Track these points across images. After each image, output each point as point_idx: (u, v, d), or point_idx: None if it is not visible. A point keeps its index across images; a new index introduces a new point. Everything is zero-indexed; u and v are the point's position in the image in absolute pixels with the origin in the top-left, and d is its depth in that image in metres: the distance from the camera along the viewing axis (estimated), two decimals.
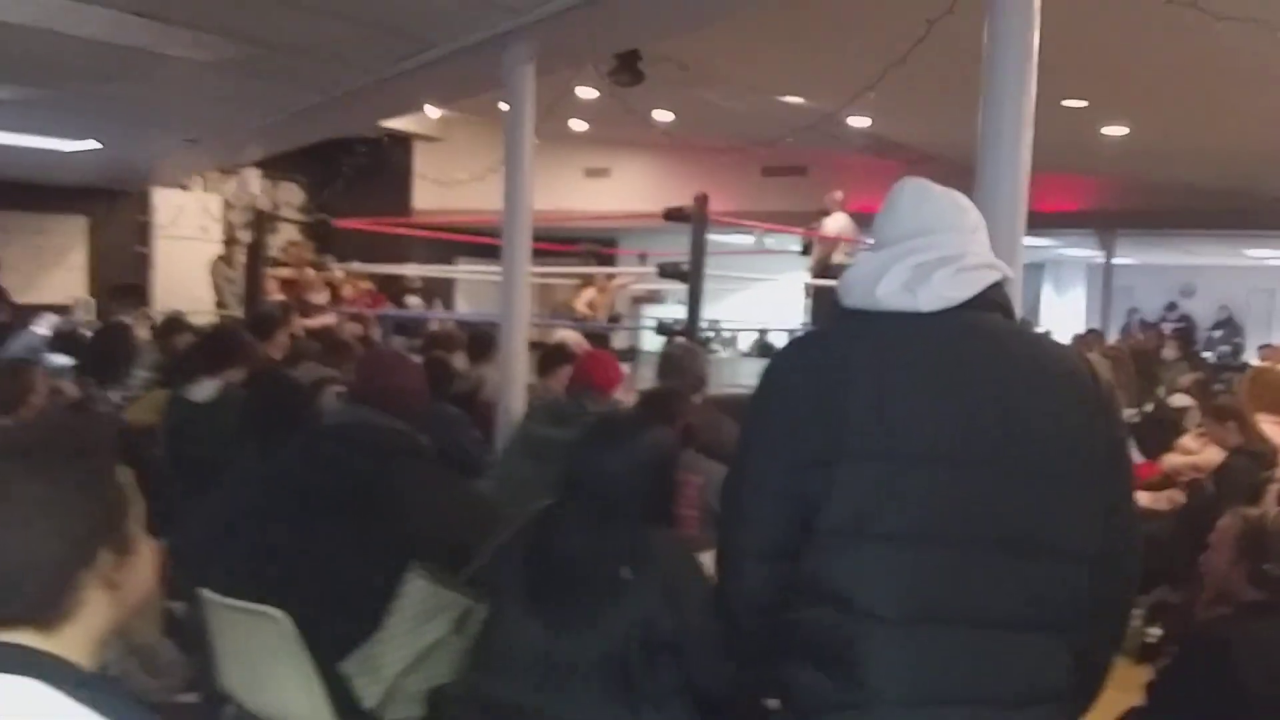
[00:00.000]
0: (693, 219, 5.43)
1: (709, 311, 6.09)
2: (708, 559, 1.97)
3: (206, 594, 2.15)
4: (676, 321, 5.70)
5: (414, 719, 1.95)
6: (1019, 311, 1.83)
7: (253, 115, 6.51)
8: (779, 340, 12.55)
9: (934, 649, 1.29)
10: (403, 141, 11.99)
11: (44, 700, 0.93)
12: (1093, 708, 1.50)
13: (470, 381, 4.75)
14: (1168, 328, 13.75)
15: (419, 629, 1.93)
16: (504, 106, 4.34)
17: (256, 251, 7.72)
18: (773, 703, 1.60)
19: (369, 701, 1.92)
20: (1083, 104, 6.85)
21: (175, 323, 5.67)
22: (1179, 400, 5.72)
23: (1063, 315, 15.89)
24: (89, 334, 6.29)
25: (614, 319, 9.43)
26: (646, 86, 6.97)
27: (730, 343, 13.29)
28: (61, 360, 5.56)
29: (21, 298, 9.10)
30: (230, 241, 10.64)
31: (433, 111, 11.19)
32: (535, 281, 5.26)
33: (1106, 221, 11.80)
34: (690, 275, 5.42)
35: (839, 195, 8.12)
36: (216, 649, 2.22)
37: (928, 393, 1.35)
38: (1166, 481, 4.49)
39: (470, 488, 2.65)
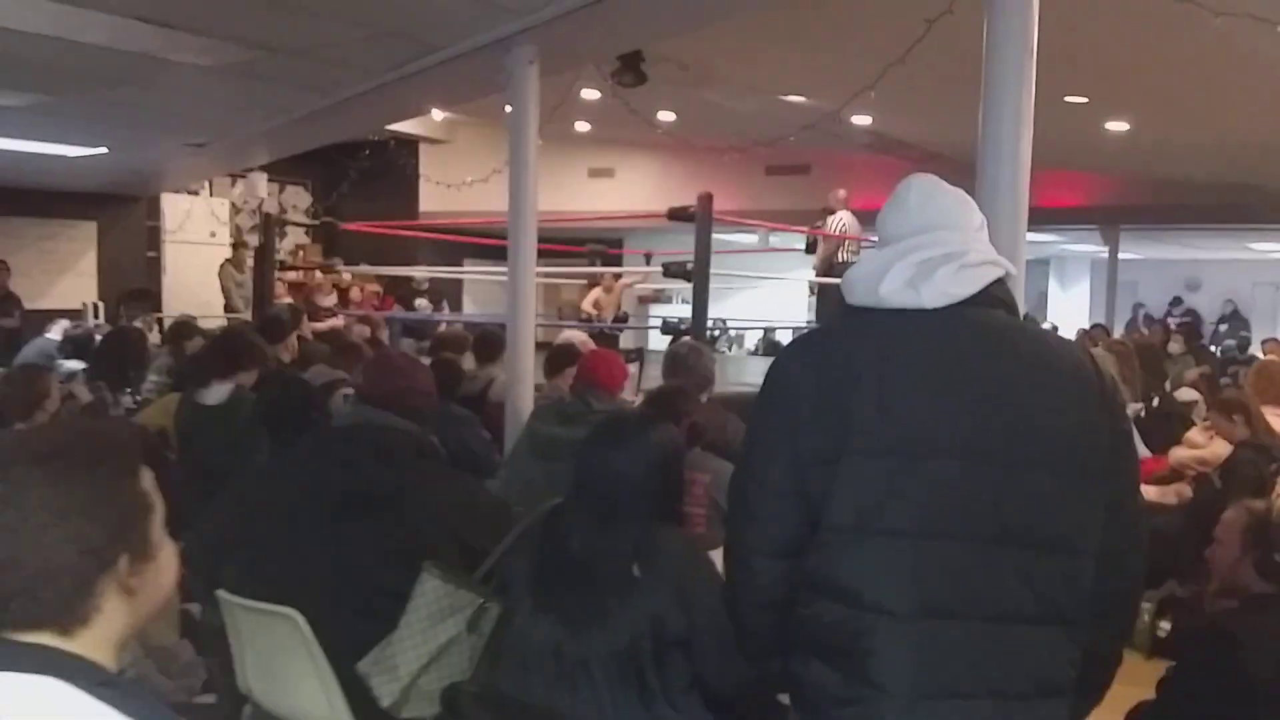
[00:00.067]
0: (697, 218, 5.45)
1: (714, 310, 6.11)
2: (715, 556, 1.99)
3: (223, 595, 2.18)
4: (682, 321, 5.72)
5: (429, 717, 1.97)
6: (1023, 307, 1.85)
7: (258, 119, 6.54)
8: (784, 338, 12.58)
9: (940, 643, 1.31)
10: (408, 144, 12.03)
11: (67, 699, 0.94)
12: (1101, 701, 1.52)
13: (478, 382, 4.77)
14: (1173, 322, 13.72)
15: (433, 628, 1.95)
16: (508, 108, 4.37)
17: (265, 255, 7.76)
18: (782, 698, 1.62)
19: (385, 700, 1.95)
20: (1084, 100, 6.85)
21: (185, 327, 5.71)
22: (1185, 394, 5.71)
23: (1068, 310, 15.87)
24: (100, 339, 6.34)
25: (620, 319, 9.45)
26: (649, 87, 6.99)
27: (736, 341, 13.30)
28: (74, 365, 5.61)
29: (33, 303, 9.16)
30: (238, 245, 10.69)
31: (438, 114, 11.24)
32: (541, 282, 5.29)
33: (1110, 217, 11.79)
34: (695, 274, 5.44)
35: (842, 193, 8.13)
36: (234, 650, 2.24)
37: (931, 389, 1.37)
38: (1174, 476, 4.49)
39: (481, 487, 2.67)
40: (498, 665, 1.89)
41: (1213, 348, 12.71)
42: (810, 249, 8.37)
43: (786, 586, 1.42)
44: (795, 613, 1.41)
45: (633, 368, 5.53)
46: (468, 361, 5.05)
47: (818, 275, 8.17)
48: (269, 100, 5.83)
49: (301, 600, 2.05)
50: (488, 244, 8.76)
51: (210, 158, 8.25)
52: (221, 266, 10.06)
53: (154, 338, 7.41)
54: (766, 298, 12.60)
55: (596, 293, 9.04)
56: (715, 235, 5.57)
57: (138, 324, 8.00)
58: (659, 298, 14.32)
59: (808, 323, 10.18)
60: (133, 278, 10.94)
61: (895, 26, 4.66)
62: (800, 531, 1.39)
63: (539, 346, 4.57)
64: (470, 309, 12.93)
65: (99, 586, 1.00)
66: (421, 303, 10.38)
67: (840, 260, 7.90)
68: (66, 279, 10.75)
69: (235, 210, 12.10)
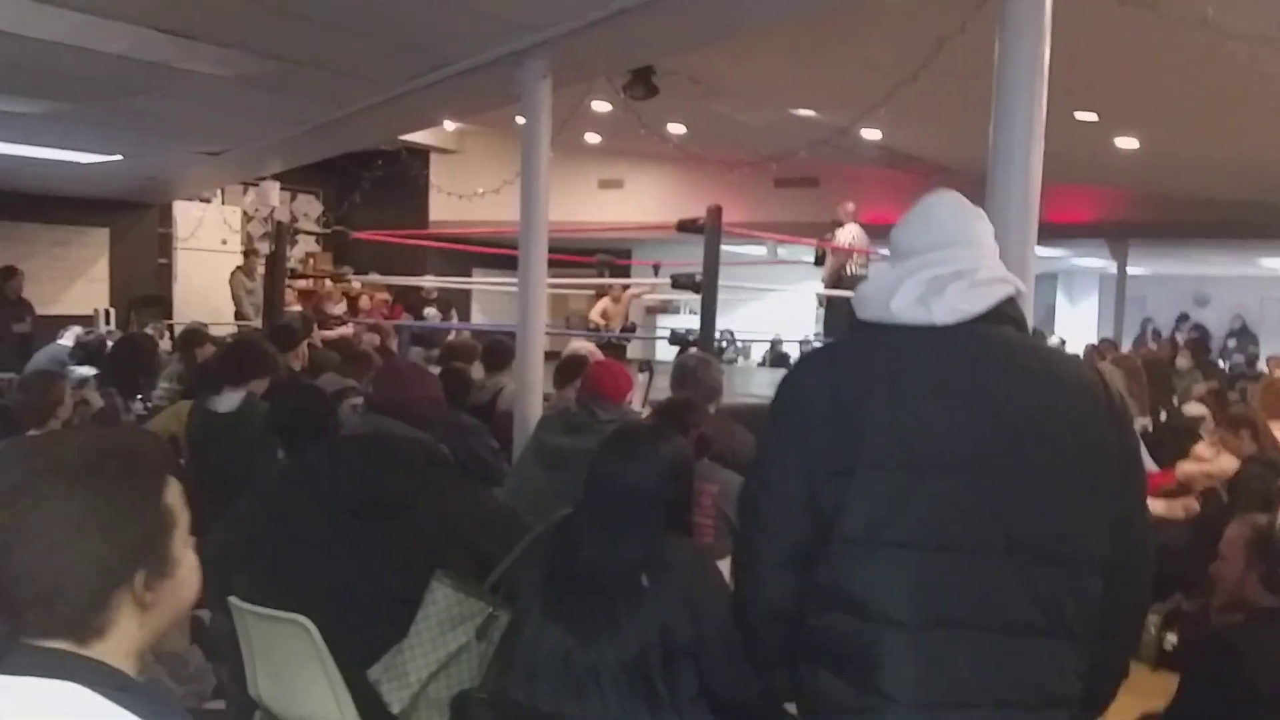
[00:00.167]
0: (706, 231, 5.47)
1: (721, 322, 6.13)
2: (723, 566, 2.01)
3: (235, 602, 2.20)
4: (690, 332, 5.74)
5: None
6: (1031, 322, 1.87)
7: (273, 129, 6.60)
8: (792, 350, 12.60)
9: (948, 654, 1.33)
10: (420, 154, 12.11)
11: (86, 704, 0.94)
12: (1106, 713, 1.53)
13: (487, 392, 4.80)
14: (1181, 338, 13.69)
15: (444, 635, 1.97)
16: (520, 120, 4.40)
17: (276, 263, 7.81)
18: (789, 707, 1.63)
19: (396, 707, 1.96)
20: (1094, 117, 6.87)
21: (196, 334, 5.74)
22: (1193, 409, 5.70)
23: (1076, 325, 15.85)
24: (112, 345, 6.38)
25: (628, 329, 9.48)
26: (660, 100, 7.04)
27: (743, 353, 13.31)
28: (85, 371, 5.66)
29: (44, 309, 9.22)
30: (249, 253, 10.76)
31: (448, 124, 11.31)
32: (549, 292, 5.31)
33: (1119, 232, 11.78)
34: (704, 286, 5.46)
35: (851, 207, 8.15)
36: (244, 656, 2.26)
37: (941, 404, 1.39)
38: (1181, 490, 4.48)
39: (491, 496, 2.69)
40: (507, 673, 1.91)
41: (1221, 362, 12.68)
42: (819, 261, 8.39)
43: (796, 597, 1.43)
44: (804, 623, 1.42)
45: (642, 378, 5.55)
46: (476, 371, 5.07)
47: (826, 288, 8.19)
48: (284, 110, 5.88)
49: (312, 607, 2.06)
50: (497, 254, 8.82)
51: (224, 166, 8.31)
52: (232, 274, 10.12)
53: (165, 344, 7.47)
54: (774, 309, 12.62)
55: (604, 303, 9.07)
56: (723, 247, 5.59)
57: (149, 331, 8.08)
58: (666, 308, 14.35)
59: (815, 335, 10.19)
60: (144, 284, 11.02)
61: (905, 43, 4.69)
62: (811, 542, 1.41)
63: (547, 356, 4.59)
64: (479, 318, 12.97)
65: (114, 601, 0.99)
66: (430, 311, 10.43)
67: (849, 273, 7.92)
68: (78, 285, 10.82)
69: (247, 218, 12.18)
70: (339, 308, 9.44)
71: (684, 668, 1.80)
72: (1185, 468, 4.57)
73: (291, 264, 8.78)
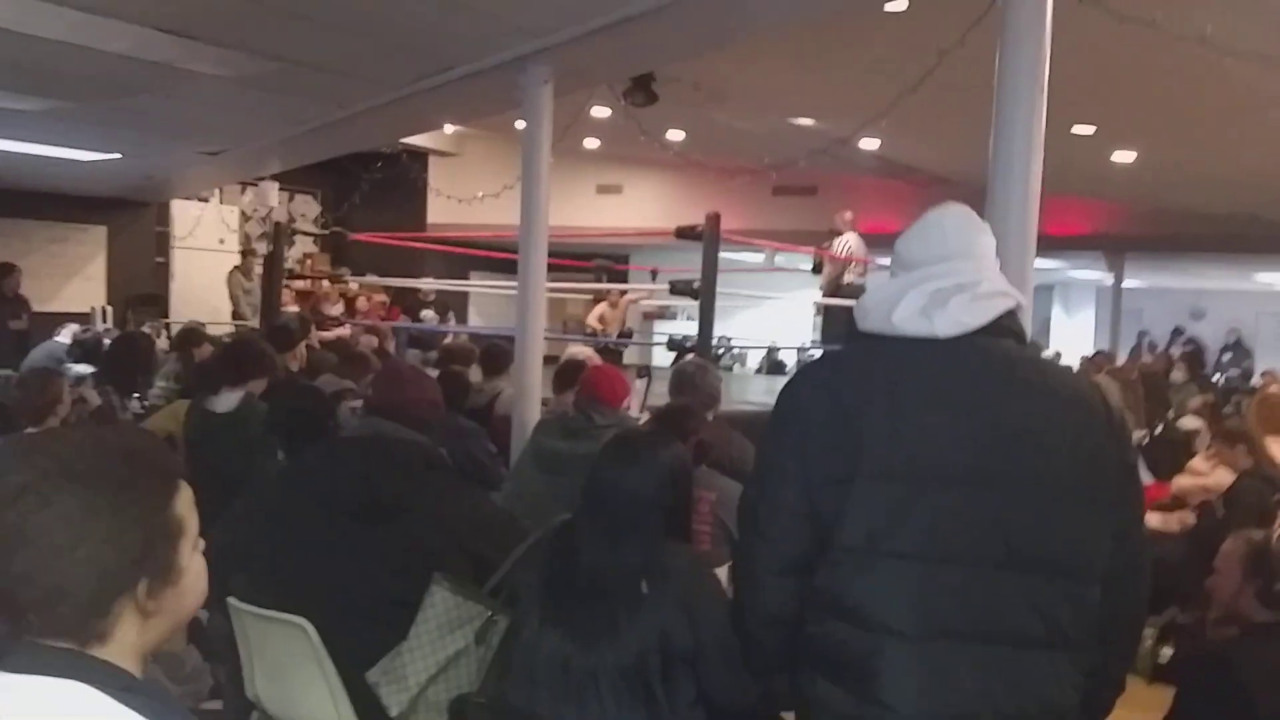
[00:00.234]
0: (705, 237, 5.49)
1: (718, 328, 6.14)
2: (720, 573, 2.02)
3: (233, 602, 2.20)
4: (686, 338, 5.74)
5: None
6: (1029, 334, 1.88)
7: (273, 130, 6.59)
8: (788, 358, 12.61)
9: (947, 664, 1.34)
10: (419, 157, 12.11)
11: (92, 703, 0.94)
12: None
13: (485, 395, 4.79)
14: (1176, 351, 13.72)
15: (442, 639, 1.97)
16: (520, 124, 4.41)
17: (274, 263, 7.80)
18: (787, 715, 1.64)
19: (394, 709, 1.96)
20: (1091, 130, 6.90)
21: (193, 333, 5.73)
22: (1189, 422, 5.73)
23: (1072, 337, 15.89)
24: (109, 343, 6.37)
25: (624, 334, 9.49)
26: (659, 106, 7.06)
27: (739, 360, 13.32)
28: (82, 369, 5.64)
29: (41, 306, 9.20)
30: (246, 253, 10.75)
31: (448, 127, 11.31)
32: (547, 296, 5.31)
33: (1116, 244, 11.84)
34: (702, 292, 5.48)
35: (849, 215, 8.18)
36: (243, 657, 2.26)
37: (942, 415, 1.40)
38: (1177, 503, 4.50)
39: (489, 500, 2.69)
40: (505, 678, 1.91)
41: (1217, 375, 12.71)
42: (817, 269, 8.42)
43: (795, 604, 1.44)
44: (803, 631, 1.43)
45: (640, 383, 5.55)
46: (474, 374, 5.07)
47: (825, 296, 8.21)
48: (285, 111, 5.88)
49: (311, 608, 2.06)
50: (494, 257, 8.82)
51: (223, 166, 8.30)
52: (230, 274, 10.12)
53: (162, 343, 7.46)
54: (769, 316, 12.64)
55: (602, 308, 9.08)
56: (721, 254, 5.60)
57: (146, 329, 8.06)
58: (664, 314, 14.37)
59: (812, 342, 10.21)
60: (141, 283, 11.00)
61: (905, 54, 4.71)
62: (810, 550, 1.42)
63: (544, 360, 4.60)
64: (475, 321, 12.98)
65: (115, 608, 0.99)
66: (427, 314, 10.42)
67: (846, 282, 7.94)
68: (75, 283, 10.80)
69: (245, 218, 12.17)
70: (336, 309, 9.43)
71: (682, 674, 1.80)
72: (1181, 481, 4.59)
73: (289, 264, 8.77)
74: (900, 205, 10.29)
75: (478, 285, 11.75)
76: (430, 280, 10.81)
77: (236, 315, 9.74)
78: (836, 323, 8.02)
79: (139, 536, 0.99)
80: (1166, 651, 2.96)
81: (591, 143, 10.48)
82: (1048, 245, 2.93)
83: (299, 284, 9.76)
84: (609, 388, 3.27)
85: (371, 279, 10.09)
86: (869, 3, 4.21)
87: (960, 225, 1.53)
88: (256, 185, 11.11)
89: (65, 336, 6.91)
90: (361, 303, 10.09)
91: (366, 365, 4.87)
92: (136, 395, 5.12)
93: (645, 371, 5.95)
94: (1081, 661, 1.39)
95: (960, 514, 1.36)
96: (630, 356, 9.74)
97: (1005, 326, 1.47)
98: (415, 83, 4.97)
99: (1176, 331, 16.20)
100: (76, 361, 6.25)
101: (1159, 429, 5.89)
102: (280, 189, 11.49)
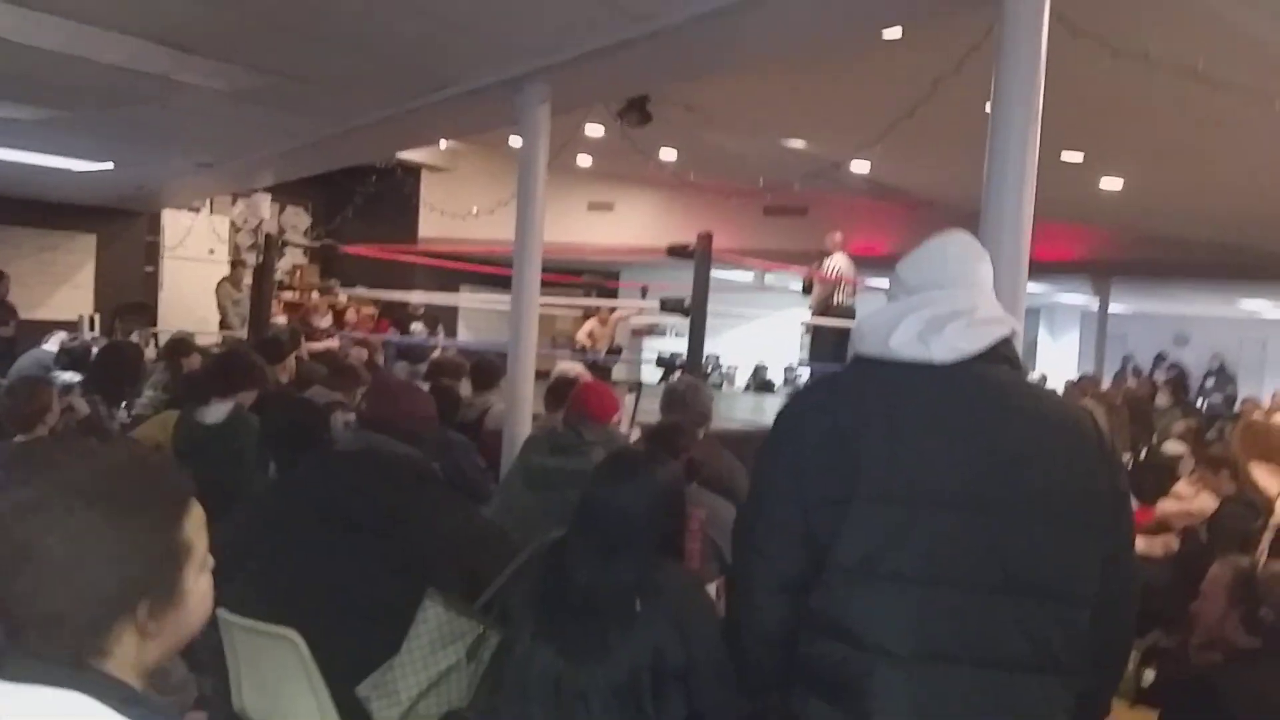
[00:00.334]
0: (696, 256, 5.52)
1: (706, 346, 6.16)
2: (710, 591, 2.03)
3: (223, 614, 2.19)
4: (675, 355, 5.77)
5: None
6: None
7: (267, 143, 6.61)
8: (776, 376, 12.65)
9: (938, 686, 1.35)
10: (412, 171, 12.13)
11: (93, 714, 0.94)
12: None
13: (475, 410, 4.80)
14: (1160, 376, 13.84)
15: (434, 654, 1.97)
16: (514, 141, 4.44)
17: (264, 275, 7.79)
18: None
19: None
20: (1079, 157, 6.98)
21: (182, 343, 5.71)
22: (1172, 447, 5.78)
23: (1057, 360, 16.01)
24: (97, 352, 6.33)
25: (614, 351, 9.50)
26: (653, 126, 7.10)
27: (728, 378, 13.36)
28: (69, 377, 5.61)
29: (28, 313, 9.16)
30: (236, 264, 10.72)
31: (442, 142, 11.35)
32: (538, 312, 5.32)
33: (1102, 270, 11.94)
34: (692, 311, 5.50)
35: (839, 236, 8.24)
36: (231, 669, 2.25)
37: (939, 440, 1.41)
38: (1160, 527, 4.54)
39: (480, 514, 2.69)
40: (497, 693, 1.91)
41: (1200, 400, 12.82)
42: (807, 290, 8.46)
43: (790, 622, 1.45)
44: (797, 650, 1.44)
45: (629, 399, 5.56)
46: (464, 389, 5.07)
47: (814, 315, 8.25)
48: (280, 125, 5.89)
49: (301, 621, 2.06)
50: (485, 271, 8.84)
51: (216, 177, 8.31)
52: (219, 284, 10.08)
53: (149, 353, 7.42)
54: (757, 335, 12.69)
55: (591, 324, 9.10)
56: (711, 273, 5.63)
57: (133, 338, 8.02)
58: (653, 331, 14.40)
59: (800, 361, 10.25)
60: (130, 292, 10.96)
61: (898, 79, 4.77)
62: (806, 570, 1.43)
63: (535, 376, 4.61)
64: (465, 335, 12.96)
65: (115, 629, 0.99)
66: (417, 327, 10.41)
67: (836, 303, 7.99)
68: (63, 290, 10.75)
69: (235, 229, 12.15)
70: (325, 320, 9.42)
71: (674, 691, 1.81)
72: (1165, 506, 4.63)
73: (278, 276, 8.76)
74: (890, 227, 10.38)
75: (469, 300, 11.75)
76: (420, 294, 10.81)
77: (225, 326, 9.70)
78: (826, 343, 8.07)
79: (143, 561, 0.99)
80: (1149, 675, 2.98)
81: (584, 160, 10.53)
82: (1035, 269, 2.97)
83: (288, 295, 9.75)
84: (598, 404, 3.28)
85: (361, 291, 10.09)
86: (865, 32, 4.26)
87: (961, 253, 1.55)
88: (248, 196, 11.12)
89: (52, 344, 6.86)
90: (350, 315, 10.08)
91: (356, 378, 4.86)
92: (124, 404, 5.09)
93: (637, 387, 5.97)
94: (1073, 685, 1.40)
95: (958, 538, 1.37)
96: (619, 373, 9.75)
97: (1000, 353, 1.49)
98: (412, 100, 4.99)
99: (1160, 357, 16.34)
100: (64, 369, 6.20)
101: (1143, 453, 5.95)
102: (272, 201, 11.50)
